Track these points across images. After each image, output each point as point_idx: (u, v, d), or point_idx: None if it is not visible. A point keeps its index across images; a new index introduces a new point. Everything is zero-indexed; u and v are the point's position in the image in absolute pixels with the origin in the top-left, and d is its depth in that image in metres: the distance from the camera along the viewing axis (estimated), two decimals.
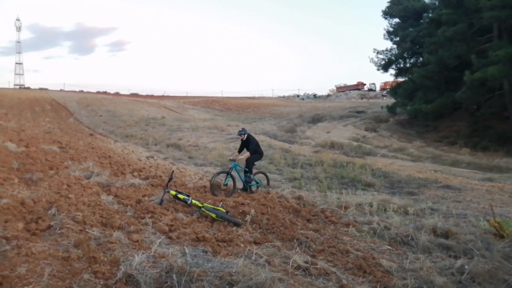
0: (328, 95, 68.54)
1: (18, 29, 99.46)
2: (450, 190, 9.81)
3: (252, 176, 8.60)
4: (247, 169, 8.59)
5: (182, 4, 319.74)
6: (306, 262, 4.20)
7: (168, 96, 70.66)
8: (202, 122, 28.42)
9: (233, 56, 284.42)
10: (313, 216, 6.80)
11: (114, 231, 4.73)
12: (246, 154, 8.59)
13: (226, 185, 8.37)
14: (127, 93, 74.69)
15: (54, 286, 3.20)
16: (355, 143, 19.60)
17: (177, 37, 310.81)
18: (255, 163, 8.90)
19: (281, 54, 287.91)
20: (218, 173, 8.64)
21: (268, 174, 9.59)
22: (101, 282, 3.40)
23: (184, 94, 75.18)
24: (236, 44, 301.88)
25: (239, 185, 8.66)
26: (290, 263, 4.13)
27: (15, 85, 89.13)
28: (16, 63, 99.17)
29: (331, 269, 4.15)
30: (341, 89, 70.32)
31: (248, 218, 5.89)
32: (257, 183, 8.76)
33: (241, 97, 67.78)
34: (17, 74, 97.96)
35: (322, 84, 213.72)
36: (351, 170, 11.86)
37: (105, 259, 3.85)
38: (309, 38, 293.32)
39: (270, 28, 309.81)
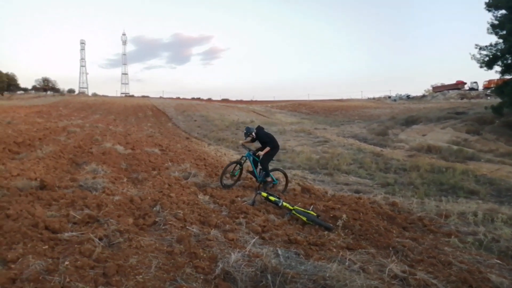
0: (423, 96, 64.16)
1: (124, 42, 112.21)
2: None
3: (269, 174, 8.48)
4: (263, 167, 8.41)
5: (269, 12, 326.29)
6: (404, 272, 3.98)
7: (256, 101, 72.96)
8: (289, 125, 28.57)
9: (321, 58, 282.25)
10: (409, 224, 6.44)
11: (211, 229, 5.01)
12: (266, 149, 8.39)
13: (235, 175, 8.58)
14: (219, 98, 78.96)
15: (160, 277, 3.50)
16: (455, 147, 17.99)
17: (265, 43, 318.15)
18: (273, 159, 8.84)
19: (371, 54, 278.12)
20: (231, 163, 8.74)
21: (287, 173, 9.24)
22: (201, 277, 3.62)
23: (272, 99, 77.03)
24: (323, 46, 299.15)
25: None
26: (386, 272, 3.95)
27: (121, 93, 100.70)
28: (122, 74, 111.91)
29: (431, 280, 3.87)
30: (438, 89, 65.38)
31: (339, 223, 5.76)
32: (273, 180, 8.60)
33: (328, 100, 66.98)
34: (123, 84, 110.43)
35: (416, 85, 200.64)
36: (451, 176, 10.92)
37: (204, 255, 4.09)
38: (402, 36, 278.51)
39: (360, 27, 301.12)
